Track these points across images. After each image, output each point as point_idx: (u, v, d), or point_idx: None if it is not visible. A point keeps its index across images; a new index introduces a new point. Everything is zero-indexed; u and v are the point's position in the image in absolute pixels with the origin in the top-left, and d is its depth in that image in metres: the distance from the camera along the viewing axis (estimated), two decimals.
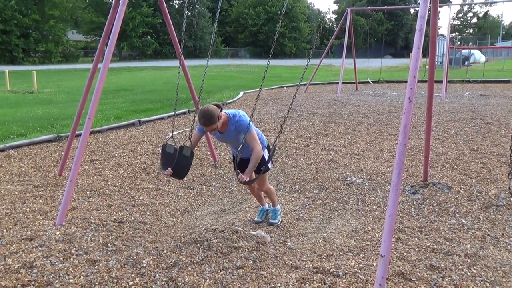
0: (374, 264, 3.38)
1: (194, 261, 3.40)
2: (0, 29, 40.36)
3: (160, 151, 4.02)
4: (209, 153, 6.61)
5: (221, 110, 3.65)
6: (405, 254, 3.56)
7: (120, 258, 3.46)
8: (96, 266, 3.33)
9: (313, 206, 4.74)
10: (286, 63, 40.47)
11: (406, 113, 2.93)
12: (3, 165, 6.17)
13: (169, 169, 3.74)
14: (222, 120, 3.61)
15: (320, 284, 3.09)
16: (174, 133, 8.37)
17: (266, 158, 3.89)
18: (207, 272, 3.25)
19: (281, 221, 4.25)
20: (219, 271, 3.27)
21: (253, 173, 3.77)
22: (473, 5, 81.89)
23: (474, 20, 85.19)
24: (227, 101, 12.89)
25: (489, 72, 23.17)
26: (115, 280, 3.13)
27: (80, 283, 3.10)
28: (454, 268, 3.32)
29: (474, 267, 3.33)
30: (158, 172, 5.87)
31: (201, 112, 3.52)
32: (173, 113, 10.42)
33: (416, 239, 3.85)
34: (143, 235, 3.96)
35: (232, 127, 3.69)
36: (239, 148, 3.73)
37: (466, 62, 29.53)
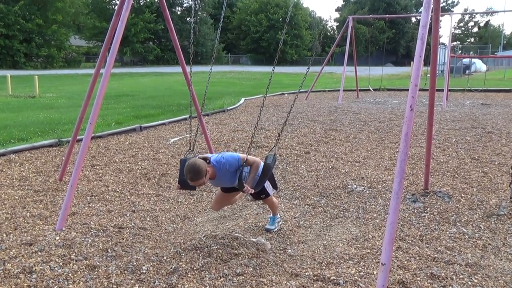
0: (375, 273, 3.37)
1: (194, 268, 3.39)
2: (2, 34, 40.51)
3: (179, 165, 4.00)
4: None
5: (208, 163, 3.59)
6: (405, 262, 3.55)
7: (119, 264, 3.45)
8: (96, 272, 3.32)
9: (313, 213, 4.73)
10: (287, 70, 40.58)
11: (408, 121, 2.93)
12: (4, 170, 6.17)
13: (178, 184, 3.81)
14: (209, 175, 3.54)
15: None
16: (174, 139, 8.37)
17: (265, 186, 3.86)
18: (207, 278, 3.24)
19: (280, 228, 4.23)
20: (219, 278, 3.26)
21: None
22: (474, 14, 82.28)
23: (475, 29, 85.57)
24: (228, 108, 12.90)
25: (490, 81, 23.20)
26: (115, 286, 3.12)
27: None
28: (455, 277, 3.30)
29: (475, 277, 3.32)
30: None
31: (189, 166, 3.43)
32: (174, 119, 10.47)
33: (416, 247, 3.84)
34: (143, 241, 3.95)
35: (222, 171, 3.62)
36: (237, 181, 3.63)
37: (467, 71, 29.63)
